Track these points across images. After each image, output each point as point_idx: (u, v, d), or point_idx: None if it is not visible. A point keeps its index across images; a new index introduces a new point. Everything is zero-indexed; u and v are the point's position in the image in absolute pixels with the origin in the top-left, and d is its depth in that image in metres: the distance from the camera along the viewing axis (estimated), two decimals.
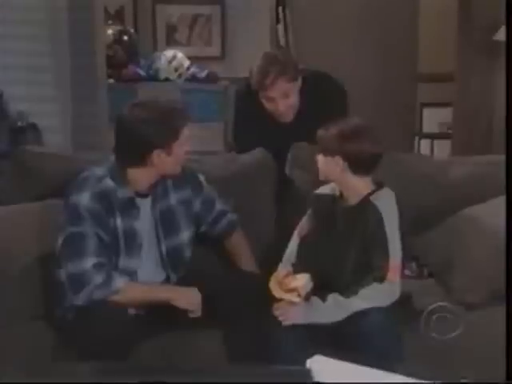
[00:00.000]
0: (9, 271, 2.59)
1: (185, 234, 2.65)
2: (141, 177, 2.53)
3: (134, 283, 2.50)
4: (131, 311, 2.48)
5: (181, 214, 2.65)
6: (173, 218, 2.63)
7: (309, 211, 2.65)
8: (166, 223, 2.61)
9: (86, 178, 2.51)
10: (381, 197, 2.52)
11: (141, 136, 2.45)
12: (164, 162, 2.48)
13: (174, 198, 2.65)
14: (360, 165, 2.50)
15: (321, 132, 2.53)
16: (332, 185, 2.61)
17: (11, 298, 2.57)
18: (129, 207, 2.52)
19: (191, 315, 2.49)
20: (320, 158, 2.54)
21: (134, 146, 2.48)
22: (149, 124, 2.45)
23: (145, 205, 2.57)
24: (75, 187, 2.49)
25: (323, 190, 2.64)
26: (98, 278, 2.39)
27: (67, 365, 2.31)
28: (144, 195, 2.57)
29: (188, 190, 2.70)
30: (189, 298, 2.49)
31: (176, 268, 2.63)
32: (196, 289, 2.50)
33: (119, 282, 2.42)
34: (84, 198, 2.44)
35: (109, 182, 2.49)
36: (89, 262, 2.40)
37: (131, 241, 2.52)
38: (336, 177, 2.54)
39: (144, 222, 2.56)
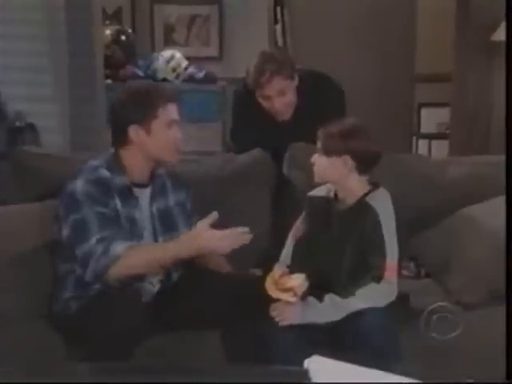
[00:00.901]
0: (8, 270, 2.59)
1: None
2: (132, 161, 2.55)
3: (144, 244, 2.50)
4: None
5: (179, 215, 2.67)
6: (172, 219, 2.64)
7: (303, 213, 2.64)
8: (165, 222, 2.61)
9: (81, 168, 2.54)
10: (377, 197, 2.52)
11: (118, 112, 2.55)
12: (144, 140, 2.51)
13: (172, 200, 2.66)
14: (367, 163, 2.50)
15: (324, 132, 2.52)
16: (327, 186, 2.60)
17: (11, 298, 2.57)
18: (127, 195, 2.54)
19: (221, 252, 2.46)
20: (321, 159, 2.51)
21: (114, 123, 2.58)
22: (125, 101, 2.54)
23: (143, 196, 2.58)
24: (70, 179, 2.52)
25: (318, 191, 2.63)
26: (99, 249, 2.40)
27: (67, 364, 2.32)
28: (142, 186, 2.58)
29: (183, 193, 2.72)
30: (212, 237, 2.40)
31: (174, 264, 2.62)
32: (213, 230, 2.41)
33: (119, 247, 2.40)
34: (79, 185, 2.47)
35: (104, 172, 2.52)
36: (92, 240, 2.42)
37: (132, 227, 2.53)
38: (340, 177, 2.52)
39: (143, 213, 2.57)
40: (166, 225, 2.62)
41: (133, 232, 2.52)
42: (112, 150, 2.60)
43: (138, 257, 2.43)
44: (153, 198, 2.60)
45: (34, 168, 2.98)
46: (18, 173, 3.01)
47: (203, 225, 2.41)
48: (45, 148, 3.78)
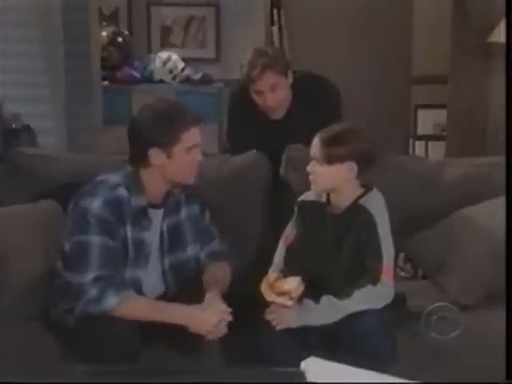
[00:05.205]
0: (6, 271, 2.59)
1: (190, 250, 2.63)
2: (151, 182, 2.49)
3: (139, 299, 2.43)
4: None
5: (188, 230, 2.63)
6: (181, 235, 2.61)
7: (294, 218, 2.63)
8: (173, 237, 2.58)
9: (100, 183, 2.48)
10: (371, 199, 2.51)
11: (138, 133, 2.47)
12: (164, 164, 2.45)
13: (184, 213, 2.63)
14: (367, 166, 2.49)
15: (323, 140, 2.46)
16: (315, 191, 2.59)
17: (9, 299, 2.57)
18: (140, 217, 2.49)
19: (208, 338, 2.41)
20: (322, 168, 2.47)
21: (134, 143, 2.49)
22: (147, 122, 2.46)
23: (157, 216, 2.54)
24: (87, 192, 2.46)
25: (308, 196, 2.62)
26: (92, 293, 2.35)
27: (66, 365, 2.32)
28: (157, 206, 2.54)
29: (196, 206, 2.67)
30: (203, 324, 2.38)
31: (177, 282, 2.60)
32: (215, 310, 2.40)
33: (112, 300, 2.35)
34: (94, 205, 2.41)
35: (122, 191, 2.45)
36: (89, 276, 2.37)
37: (139, 251, 2.49)
38: (342, 183, 2.49)
39: (153, 233, 2.53)
40: (174, 243, 2.58)
41: (139, 254, 2.49)
42: (129, 168, 2.52)
43: (130, 312, 2.37)
44: (165, 216, 2.56)
45: (29, 169, 2.98)
46: (14, 174, 3.01)
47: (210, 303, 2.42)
48: (42, 149, 3.78)
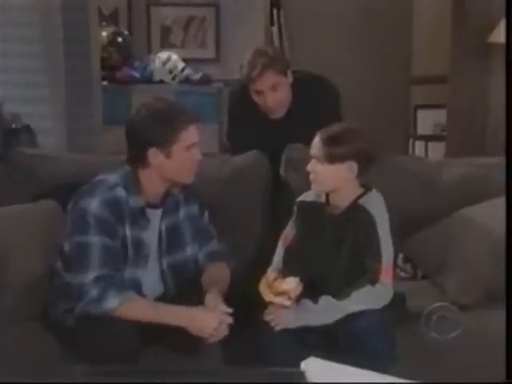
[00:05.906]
0: (6, 271, 2.58)
1: (189, 250, 2.63)
2: (149, 182, 2.49)
3: (139, 300, 2.43)
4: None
5: (187, 230, 2.63)
6: (179, 235, 2.61)
7: (293, 218, 2.63)
8: (172, 238, 2.58)
9: (98, 183, 2.48)
10: (371, 200, 2.51)
11: (137, 134, 2.46)
12: (163, 164, 2.45)
13: (182, 213, 2.63)
14: (367, 166, 2.49)
15: (324, 139, 2.47)
16: (315, 190, 2.59)
17: (9, 299, 2.57)
18: (139, 217, 2.49)
19: (208, 341, 2.40)
20: (323, 167, 2.47)
21: (132, 143, 2.49)
22: (145, 122, 2.45)
23: (155, 216, 2.54)
24: (86, 192, 2.46)
25: (307, 196, 2.62)
26: (93, 293, 2.35)
27: (66, 365, 2.32)
28: (156, 206, 2.54)
29: (195, 205, 2.67)
30: (204, 326, 2.38)
31: (176, 283, 2.60)
32: (216, 313, 2.40)
33: (113, 302, 2.34)
34: (93, 205, 2.41)
35: (121, 191, 2.45)
36: (89, 276, 2.36)
37: (138, 251, 2.49)
38: (343, 183, 2.49)
39: (152, 233, 2.54)
40: (173, 243, 2.58)
41: (138, 253, 2.49)
42: (128, 167, 2.52)
43: (130, 313, 2.36)
44: (164, 216, 2.56)
45: (28, 169, 2.98)
46: (14, 174, 3.01)
47: (211, 306, 2.42)
48: (42, 149, 3.78)
